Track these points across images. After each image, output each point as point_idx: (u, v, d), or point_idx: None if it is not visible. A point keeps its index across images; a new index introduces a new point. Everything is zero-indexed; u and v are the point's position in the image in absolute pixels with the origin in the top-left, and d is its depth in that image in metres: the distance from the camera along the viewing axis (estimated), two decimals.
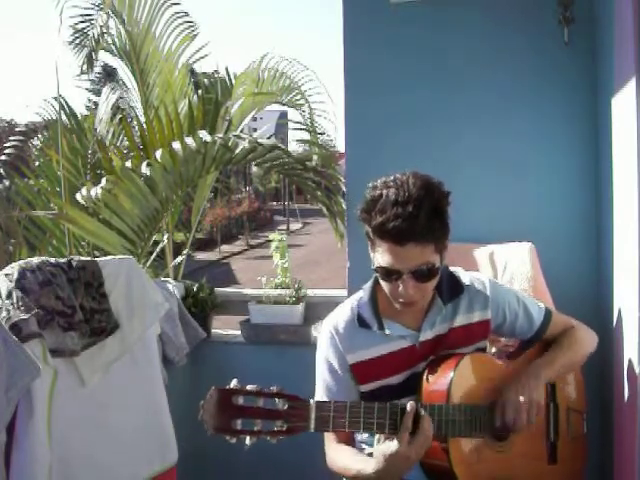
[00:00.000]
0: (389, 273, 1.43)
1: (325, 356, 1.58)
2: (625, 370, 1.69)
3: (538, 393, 1.48)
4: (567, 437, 1.62)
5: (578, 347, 1.62)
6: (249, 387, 1.27)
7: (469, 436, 1.45)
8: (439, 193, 1.42)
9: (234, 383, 1.27)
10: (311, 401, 1.30)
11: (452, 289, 1.58)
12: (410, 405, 1.33)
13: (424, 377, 1.51)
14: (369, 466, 1.39)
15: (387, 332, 1.54)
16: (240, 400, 1.25)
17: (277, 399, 1.27)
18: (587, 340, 1.66)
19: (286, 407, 1.27)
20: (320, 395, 1.57)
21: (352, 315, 1.58)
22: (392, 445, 1.32)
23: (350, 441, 1.58)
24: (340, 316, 1.60)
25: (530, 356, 1.63)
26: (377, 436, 1.38)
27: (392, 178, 1.43)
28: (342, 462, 1.52)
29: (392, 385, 1.54)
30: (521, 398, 1.45)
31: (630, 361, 1.64)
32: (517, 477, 1.51)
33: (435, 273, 1.44)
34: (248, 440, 1.24)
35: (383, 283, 1.49)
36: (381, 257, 1.42)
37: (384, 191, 1.40)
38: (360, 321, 1.56)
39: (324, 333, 1.59)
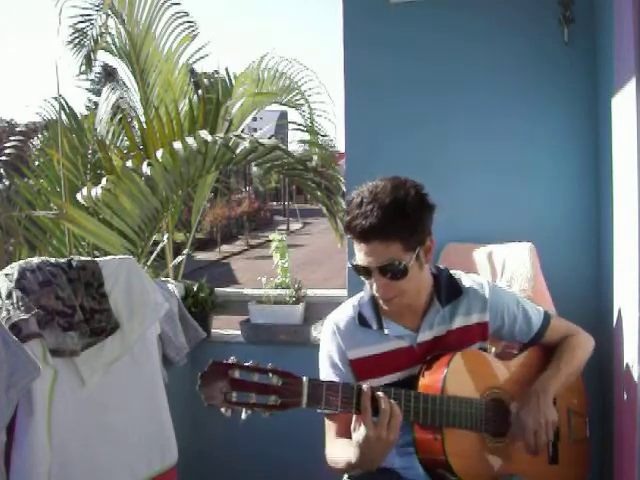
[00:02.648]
0: (361, 270, 1.49)
1: (327, 351, 1.61)
2: (625, 371, 1.69)
3: (551, 410, 1.51)
4: (568, 439, 1.62)
5: (579, 356, 1.64)
6: (246, 363, 1.32)
7: (464, 428, 1.46)
8: (405, 193, 1.44)
9: (232, 358, 1.32)
10: (304, 378, 1.34)
11: (450, 291, 1.60)
12: (365, 387, 1.36)
13: (421, 373, 1.53)
14: (352, 455, 1.41)
15: (386, 332, 1.57)
16: (236, 374, 1.30)
17: (271, 375, 1.32)
18: (586, 347, 1.67)
19: (280, 383, 1.31)
20: None
21: (353, 313, 1.62)
22: (361, 430, 1.35)
23: (349, 435, 1.59)
24: (342, 314, 1.63)
25: (527, 358, 1.65)
26: (353, 425, 1.40)
27: (369, 183, 1.49)
28: (334, 454, 1.54)
29: (390, 384, 1.54)
30: (534, 421, 1.48)
31: (630, 362, 1.64)
32: (516, 474, 1.52)
33: (405, 272, 1.46)
34: (244, 413, 1.28)
35: (365, 281, 1.54)
36: (356, 255, 1.49)
37: (356, 194, 1.48)
38: (361, 320, 1.60)
39: (326, 329, 1.63)
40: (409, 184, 1.47)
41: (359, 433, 1.36)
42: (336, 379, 1.56)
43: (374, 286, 1.49)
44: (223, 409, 1.27)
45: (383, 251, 1.43)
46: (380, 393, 1.36)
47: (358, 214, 1.43)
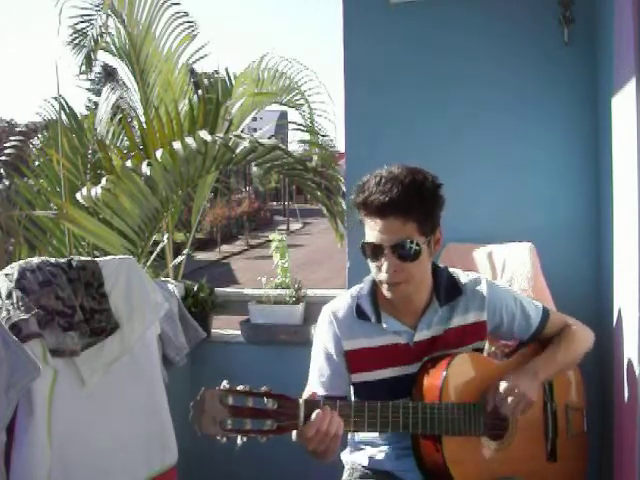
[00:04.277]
0: (372, 249, 1.47)
1: (322, 340, 1.60)
2: (625, 370, 1.69)
3: (531, 391, 1.49)
4: (566, 435, 1.62)
5: (575, 346, 1.64)
6: (239, 387, 1.29)
7: (464, 434, 1.46)
8: (423, 177, 1.47)
9: (224, 384, 1.29)
10: (300, 400, 1.32)
11: (450, 291, 1.59)
12: (304, 397, 1.33)
13: (419, 376, 1.53)
14: None
15: (384, 325, 1.56)
16: (230, 400, 1.27)
17: (266, 399, 1.29)
18: (584, 339, 1.67)
19: (275, 407, 1.29)
20: (312, 379, 1.59)
21: (352, 305, 1.60)
22: (294, 435, 1.33)
23: None
24: (340, 303, 1.62)
25: (526, 355, 1.64)
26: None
27: (386, 167, 1.51)
28: None
29: (383, 379, 1.56)
30: (514, 387, 1.47)
31: (630, 361, 1.64)
32: (516, 475, 1.52)
33: (418, 253, 1.46)
34: (239, 440, 1.26)
35: (370, 265, 1.52)
36: (366, 234, 1.48)
37: (372, 176, 1.49)
38: (359, 312, 1.59)
39: (324, 318, 1.62)
40: (425, 171, 1.50)
41: (296, 435, 1.34)
42: (327, 370, 1.57)
43: (383, 267, 1.47)
44: (218, 437, 1.25)
45: (399, 228, 1.43)
46: (324, 408, 1.32)
47: (376, 190, 1.43)
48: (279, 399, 1.29)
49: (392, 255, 1.45)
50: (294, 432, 1.31)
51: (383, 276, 1.48)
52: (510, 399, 1.46)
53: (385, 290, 1.51)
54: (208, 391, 1.27)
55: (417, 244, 1.45)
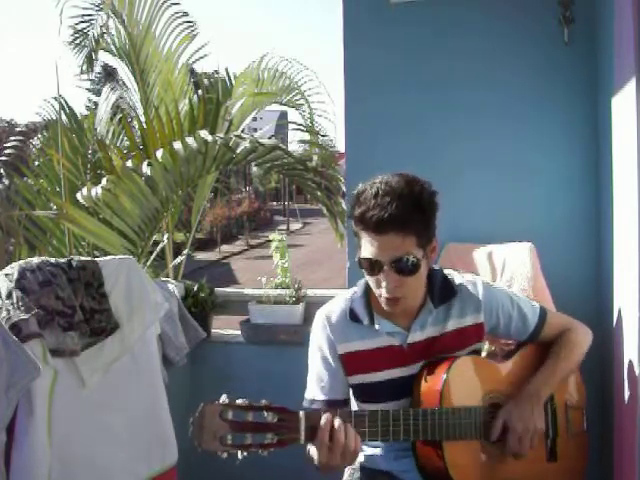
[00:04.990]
0: (371, 264, 1.45)
1: (318, 344, 1.60)
2: (625, 370, 1.69)
3: (539, 419, 1.49)
4: (566, 434, 1.62)
5: (576, 351, 1.62)
6: (238, 402, 1.27)
7: (464, 439, 1.45)
8: (421, 188, 1.44)
9: (223, 398, 1.27)
10: (300, 413, 1.30)
11: (444, 292, 1.58)
12: (324, 418, 1.31)
13: (420, 380, 1.52)
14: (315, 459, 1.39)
15: (377, 327, 1.56)
16: (229, 415, 1.25)
17: (266, 412, 1.27)
18: (583, 341, 1.66)
19: (276, 420, 1.27)
20: (311, 384, 1.59)
21: (345, 308, 1.60)
22: (314, 453, 1.31)
23: None
24: (333, 307, 1.62)
25: (525, 355, 1.63)
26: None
27: (379, 177, 1.47)
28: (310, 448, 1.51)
29: (380, 381, 1.55)
30: (523, 427, 1.46)
31: (630, 361, 1.64)
32: (517, 477, 1.52)
33: (417, 267, 1.44)
34: (240, 454, 1.24)
35: (368, 279, 1.51)
36: (364, 249, 1.45)
37: (368, 186, 1.45)
38: (352, 315, 1.58)
39: (317, 322, 1.61)
40: (421, 180, 1.47)
41: (313, 452, 1.33)
42: (325, 374, 1.56)
43: (383, 282, 1.45)
44: (219, 452, 1.24)
45: (399, 244, 1.40)
46: (337, 421, 1.30)
47: (374, 205, 1.39)
48: (279, 412, 1.27)
49: (391, 271, 1.43)
50: (309, 445, 1.29)
51: (383, 291, 1.47)
52: (523, 442, 1.45)
53: (384, 304, 1.50)
54: (207, 406, 1.24)
55: (416, 257, 1.43)
